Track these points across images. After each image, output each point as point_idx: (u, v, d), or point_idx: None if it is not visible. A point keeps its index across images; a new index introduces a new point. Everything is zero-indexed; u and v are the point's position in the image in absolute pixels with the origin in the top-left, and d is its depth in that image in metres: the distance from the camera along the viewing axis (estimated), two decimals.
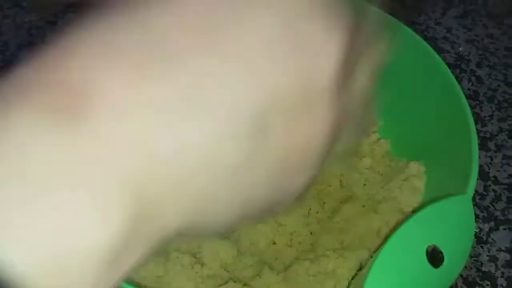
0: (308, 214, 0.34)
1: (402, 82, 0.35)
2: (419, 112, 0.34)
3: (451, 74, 0.31)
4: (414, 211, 0.30)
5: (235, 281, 0.30)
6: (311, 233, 0.33)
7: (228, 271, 0.31)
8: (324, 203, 0.34)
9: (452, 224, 0.24)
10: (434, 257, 0.24)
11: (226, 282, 0.29)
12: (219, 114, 0.13)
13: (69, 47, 0.12)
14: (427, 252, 0.23)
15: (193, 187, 0.13)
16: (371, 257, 0.29)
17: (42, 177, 0.11)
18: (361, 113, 0.18)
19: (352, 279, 0.29)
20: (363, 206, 0.33)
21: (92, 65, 0.12)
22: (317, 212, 0.34)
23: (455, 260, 0.23)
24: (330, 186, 0.35)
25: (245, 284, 0.30)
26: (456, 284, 0.35)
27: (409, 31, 0.34)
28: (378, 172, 0.35)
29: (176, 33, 0.13)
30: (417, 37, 0.34)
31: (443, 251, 0.23)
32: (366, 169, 0.35)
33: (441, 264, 0.23)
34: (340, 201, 0.34)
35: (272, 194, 0.16)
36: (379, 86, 0.36)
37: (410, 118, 0.35)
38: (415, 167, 0.32)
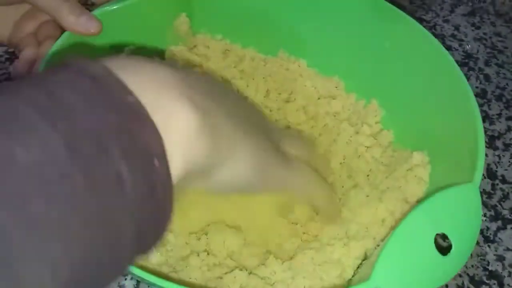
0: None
1: (404, 71, 0.35)
2: (422, 101, 0.33)
3: (454, 62, 0.30)
4: (419, 201, 0.29)
5: (241, 269, 0.29)
6: (316, 222, 0.32)
7: (234, 260, 0.30)
8: None
9: (460, 212, 0.24)
10: (442, 245, 0.23)
11: (232, 270, 0.29)
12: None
13: None
14: (435, 240, 0.22)
15: None
16: (377, 245, 0.29)
17: None
18: None
19: (358, 268, 0.29)
20: (367, 196, 0.32)
21: None
22: None
23: (463, 248, 0.23)
24: (333, 175, 0.35)
25: (251, 273, 0.29)
26: (463, 283, 0.34)
27: (415, 22, 0.34)
28: (382, 162, 0.34)
29: None
30: (422, 28, 0.33)
31: (451, 239, 0.23)
32: (369, 159, 0.35)
33: (448, 252, 0.22)
34: (344, 191, 0.34)
35: None
36: (382, 75, 0.36)
37: (413, 108, 0.34)
38: (419, 157, 0.31)
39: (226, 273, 0.29)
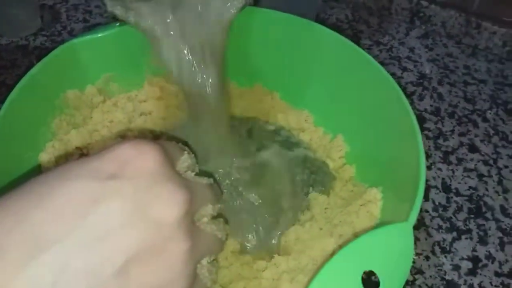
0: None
1: (367, 111, 0.36)
2: (380, 141, 0.35)
3: (406, 102, 0.32)
4: None
5: None
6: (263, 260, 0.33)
7: None
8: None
9: (391, 251, 0.25)
10: (370, 282, 0.25)
11: None
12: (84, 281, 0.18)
13: None
14: (363, 278, 0.23)
15: None
16: None
17: None
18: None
19: None
20: (321, 229, 0.33)
21: None
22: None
23: (391, 285, 0.23)
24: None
25: None
26: None
27: (367, 57, 0.35)
28: (341, 196, 0.36)
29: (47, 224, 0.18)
30: (375, 64, 0.35)
31: (379, 277, 0.23)
32: (330, 192, 0.37)
33: None
34: (302, 222, 0.35)
35: None
36: (347, 113, 0.38)
37: (372, 145, 0.36)
38: (372, 193, 0.32)
39: None
